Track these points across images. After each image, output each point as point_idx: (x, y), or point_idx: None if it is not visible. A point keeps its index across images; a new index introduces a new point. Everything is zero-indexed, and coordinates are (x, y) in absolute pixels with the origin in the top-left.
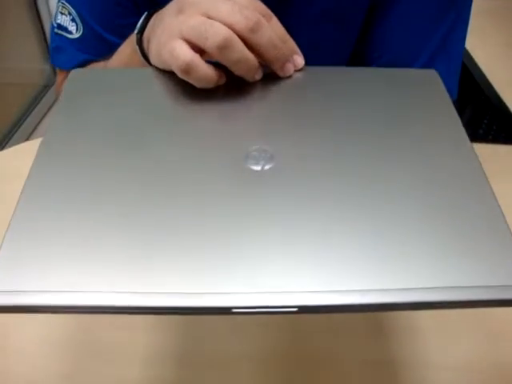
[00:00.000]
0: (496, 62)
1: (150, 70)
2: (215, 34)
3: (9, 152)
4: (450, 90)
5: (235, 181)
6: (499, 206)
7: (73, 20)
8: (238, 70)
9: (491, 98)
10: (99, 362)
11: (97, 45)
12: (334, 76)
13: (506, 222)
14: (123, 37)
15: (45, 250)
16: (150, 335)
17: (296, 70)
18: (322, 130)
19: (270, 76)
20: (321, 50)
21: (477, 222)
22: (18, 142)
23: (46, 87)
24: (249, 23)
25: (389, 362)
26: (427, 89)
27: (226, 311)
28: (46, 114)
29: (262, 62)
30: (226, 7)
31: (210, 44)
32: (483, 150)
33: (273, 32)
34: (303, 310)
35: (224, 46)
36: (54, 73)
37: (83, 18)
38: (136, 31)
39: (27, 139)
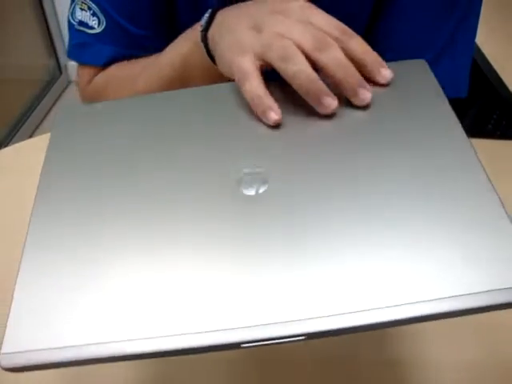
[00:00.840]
0: (506, 56)
1: (135, 99)
2: (280, 46)
3: (13, 149)
4: (459, 85)
5: (230, 207)
6: (502, 205)
7: (93, 14)
8: (297, 85)
9: (501, 93)
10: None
11: (121, 37)
12: None
13: (508, 219)
14: (146, 28)
15: (59, 302)
16: None
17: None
18: (312, 139)
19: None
20: None
21: (478, 221)
22: (22, 139)
23: (51, 83)
24: (316, 42)
25: (392, 362)
26: (417, 79)
27: (234, 347)
28: (50, 110)
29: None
30: (299, 28)
31: (272, 54)
32: (492, 146)
33: (342, 53)
34: (311, 336)
35: (285, 57)
36: (59, 69)
37: (105, 10)
38: (201, 29)
39: (31, 135)
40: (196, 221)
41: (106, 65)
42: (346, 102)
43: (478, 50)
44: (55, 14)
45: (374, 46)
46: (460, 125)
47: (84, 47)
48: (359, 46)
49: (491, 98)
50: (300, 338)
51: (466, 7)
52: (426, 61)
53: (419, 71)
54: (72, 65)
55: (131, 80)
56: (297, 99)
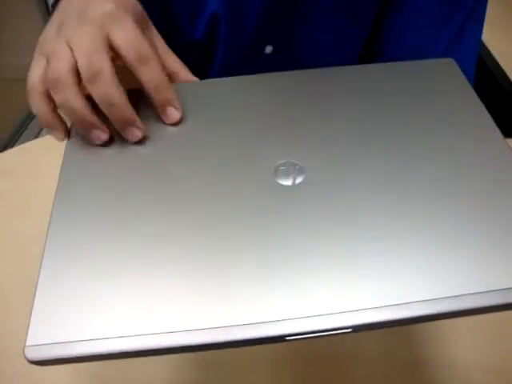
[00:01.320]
0: None
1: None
2: (52, 70)
3: (19, 149)
4: None
5: (267, 198)
6: None
7: None
8: (65, 113)
9: (508, 91)
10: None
11: None
12: (350, 76)
13: None
14: None
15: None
16: None
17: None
18: (348, 134)
19: (280, 82)
20: (334, 43)
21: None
22: (28, 139)
23: None
24: (88, 71)
25: (401, 361)
26: (447, 78)
27: (279, 340)
28: None
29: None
30: (86, 42)
31: (48, 78)
32: None
33: (108, 88)
34: (357, 329)
35: (54, 86)
36: None
37: None
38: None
39: (37, 136)
40: (232, 211)
41: None
42: (381, 105)
43: (485, 48)
44: None
45: (382, 42)
46: (493, 122)
47: None
48: (150, 73)
49: (498, 96)
50: (346, 330)
51: (474, 2)
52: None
53: (448, 70)
54: None
55: None
56: (322, 90)
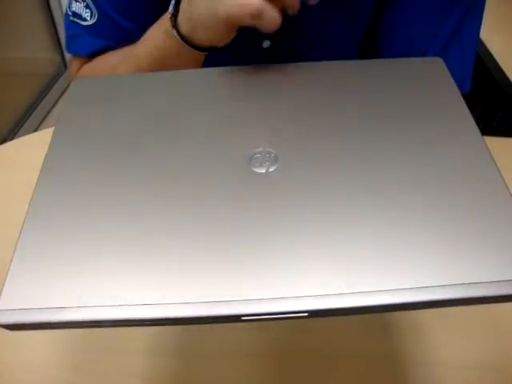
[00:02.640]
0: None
1: (150, 75)
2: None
3: (18, 142)
4: (463, 81)
5: (240, 184)
6: None
7: (86, 6)
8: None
9: (506, 90)
10: (106, 353)
11: (112, 30)
12: (335, 71)
13: None
14: (137, 22)
15: (60, 264)
16: (154, 328)
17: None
18: (326, 126)
19: (269, 74)
20: (332, 40)
21: (489, 213)
22: (27, 132)
23: (56, 77)
24: None
25: (389, 358)
26: (433, 77)
27: (235, 319)
28: (55, 104)
29: None
30: None
31: None
32: (496, 143)
33: None
34: (313, 314)
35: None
36: (64, 63)
37: (97, 2)
38: (169, 15)
39: (37, 129)
40: (207, 197)
41: (93, 55)
42: (361, 100)
43: (483, 46)
44: (61, 8)
45: (380, 40)
46: (474, 122)
47: (76, 38)
48: None
49: (496, 95)
50: (302, 314)
51: (471, 0)
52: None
53: (435, 70)
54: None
55: (111, 71)
56: (308, 83)
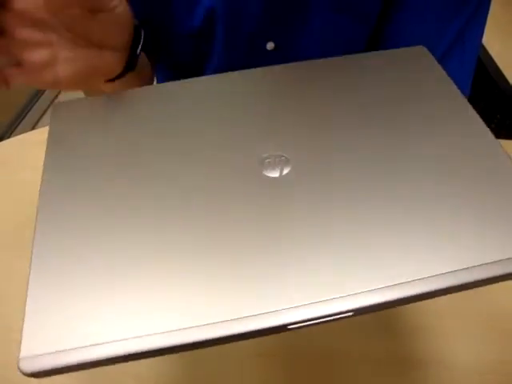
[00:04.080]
0: (511, 54)
1: (139, 90)
2: None
3: (14, 141)
4: (462, 86)
5: (254, 190)
6: None
7: None
8: None
9: (505, 92)
10: None
11: None
12: (328, 68)
13: None
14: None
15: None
16: None
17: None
18: (332, 125)
19: (268, 81)
20: (336, 42)
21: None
22: (23, 131)
23: None
24: None
25: (392, 359)
26: (419, 64)
27: (281, 329)
28: (51, 102)
29: None
30: None
31: None
32: None
33: None
34: (358, 312)
35: None
36: None
37: None
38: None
39: (33, 128)
40: (220, 204)
41: None
42: (358, 96)
43: (482, 49)
44: None
45: (384, 41)
46: (468, 103)
47: None
48: None
49: (495, 97)
50: (348, 314)
51: (477, 4)
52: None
53: (421, 57)
54: None
55: None
56: (316, 84)
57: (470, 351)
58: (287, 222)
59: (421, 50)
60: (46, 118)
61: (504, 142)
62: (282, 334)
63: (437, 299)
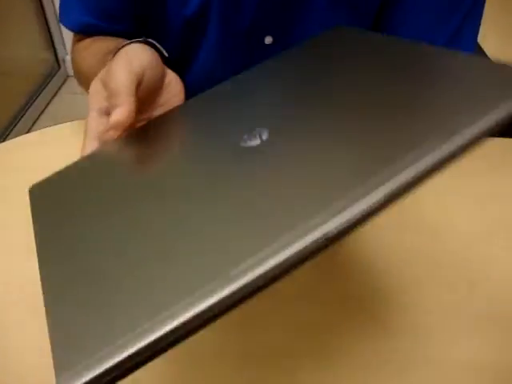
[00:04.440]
0: (507, 52)
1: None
2: None
3: (9, 144)
4: None
5: (231, 157)
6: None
7: None
8: None
9: None
10: None
11: (93, 5)
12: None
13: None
14: (121, 2)
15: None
16: None
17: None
18: (310, 109)
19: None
20: None
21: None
22: (20, 133)
23: (49, 76)
24: None
25: (390, 358)
26: (346, 39)
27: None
28: (48, 104)
29: None
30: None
31: None
32: (491, 143)
33: None
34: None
35: None
36: (57, 62)
37: None
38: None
39: (30, 129)
40: (202, 174)
41: (81, 31)
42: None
43: (478, 46)
44: (54, 7)
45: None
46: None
47: (66, 10)
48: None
49: None
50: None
51: (473, 2)
52: None
53: (344, 33)
54: (70, 59)
55: (81, 61)
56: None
57: (468, 349)
58: (262, 182)
59: (338, 29)
60: (42, 119)
61: (503, 141)
62: (281, 333)
63: (437, 297)
